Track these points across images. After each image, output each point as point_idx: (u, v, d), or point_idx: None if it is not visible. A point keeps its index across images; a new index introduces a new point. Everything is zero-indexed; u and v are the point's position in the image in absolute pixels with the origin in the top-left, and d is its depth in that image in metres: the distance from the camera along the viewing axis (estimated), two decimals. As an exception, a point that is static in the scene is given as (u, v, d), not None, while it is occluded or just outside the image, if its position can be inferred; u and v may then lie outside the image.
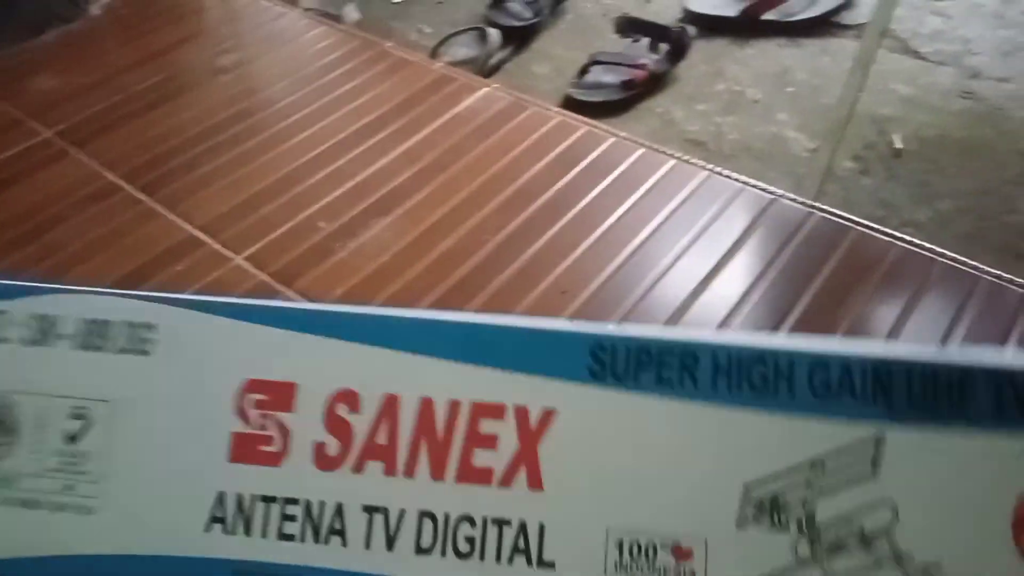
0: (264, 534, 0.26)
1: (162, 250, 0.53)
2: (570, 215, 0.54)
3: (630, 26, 1.39)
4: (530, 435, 0.26)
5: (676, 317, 0.46)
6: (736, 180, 0.57)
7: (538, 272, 0.50)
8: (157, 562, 0.26)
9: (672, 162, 0.59)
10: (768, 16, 1.48)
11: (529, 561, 0.25)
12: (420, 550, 0.25)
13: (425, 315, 0.28)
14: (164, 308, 0.28)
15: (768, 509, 0.25)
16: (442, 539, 0.25)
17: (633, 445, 0.26)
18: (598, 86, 1.28)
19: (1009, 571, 0.23)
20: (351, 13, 1.49)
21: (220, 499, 0.26)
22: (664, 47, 1.35)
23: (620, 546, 0.25)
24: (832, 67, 1.41)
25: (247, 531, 0.26)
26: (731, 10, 1.50)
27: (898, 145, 1.25)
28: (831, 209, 0.54)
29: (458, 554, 0.25)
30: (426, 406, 0.27)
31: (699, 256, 0.50)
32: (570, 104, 1.25)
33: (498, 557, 0.25)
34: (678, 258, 0.50)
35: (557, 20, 1.60)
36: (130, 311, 0.28)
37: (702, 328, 0.45)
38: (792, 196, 0.55)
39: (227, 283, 0.50)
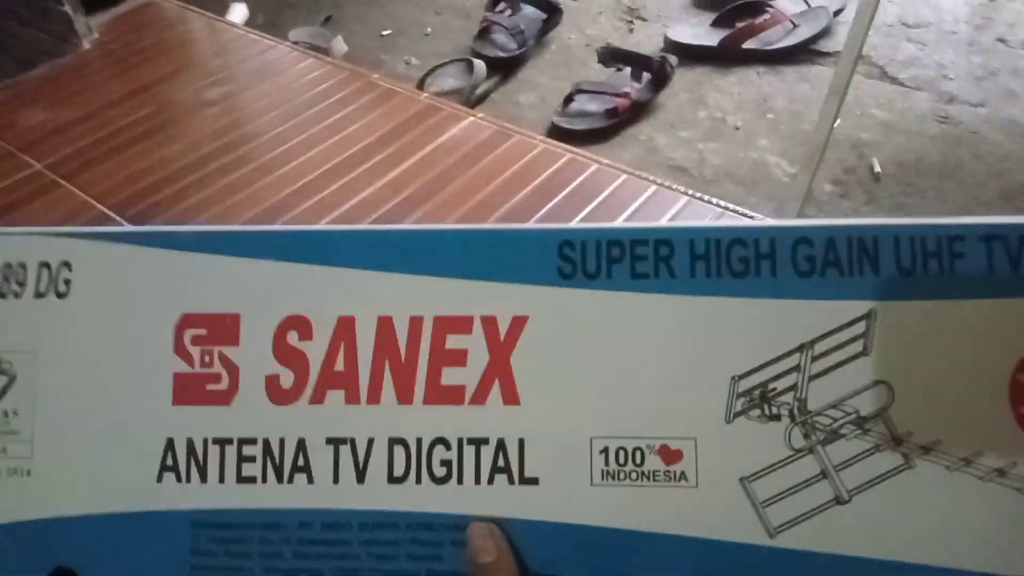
0: (222, 479, 0.24)
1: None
2: (554, 241, 0.55)
3: (612, 56, 1.42)
4: (501, 346, 0.24)
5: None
6: (717, 205, 0.58)
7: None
8: (108, 521, 0.24)
9: (653, 188, 0.61)
10: (748, 45, 1.52)
11: (511, 479, 0.24)
12: (393, 479, 0.24)
13: (374, 228, 0.26)
14: (79, 243, 0.25)
15: (758, 400, 0.24)
16: (416, 465, 0.24)
17: (611, 346, 0.24)
18: (582, 114, 1.30)
19: (1008, 441, 0.23)
20: (339, 45, 1.51)
21: (169, 446, 0.24)
22: (646, 76, 1.38)
23: (605, 453, 0.24)
24: (811, 93, 1.45)
25: (203, 478, 0.24)
26: (712, 40, 1.54)
27: (876, 169, 1.29)
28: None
29: (434, 479, 0.24)
30: (385, 325, 0.25)
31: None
32: (555, 132, 1.28)
33: (477, 478, 0.24)
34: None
35: (542, 51, 1.64)
36: (43, 250, 0.25)
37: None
38: (773, 220, 0.57)
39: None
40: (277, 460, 0.24)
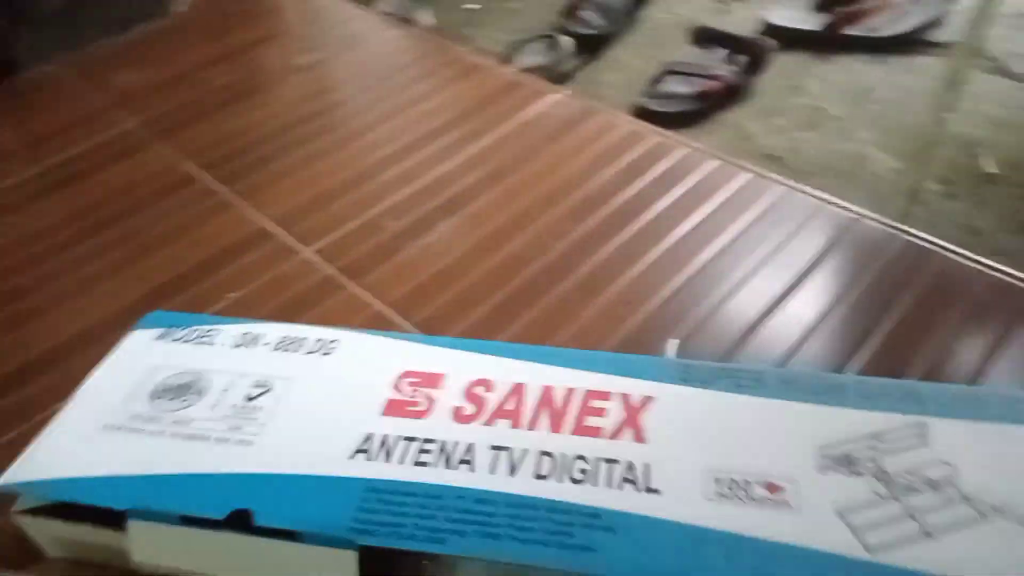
0: (401, 462, 0.32)
1: (236, 240, 0.55)
2: (637, 225, 0.54)
3: (707, 36, 1.38)
4: (633, 409, 0.34)
5: (743, 337, 0.45)
6: (815, 197, 0.55)
7: (602, 280, 0.50)
8: (300, 480, 0.31)
9: (747, 176, 0.58)
10: (852, 31, 1.45)
11: (637, 488, 0.30)
12: (539, 476, 0.31)
13: (558, 350, 0.37)
14: (347, 332, 0.39)
15: (843, 462, 0.31)
16: (559, 470, 0.31)
17: (718, 421, 0.33)
18: (671, 96, 1.27)
19: None
20: (425, 17, 1.52)
21: (367, 438, 0.32)
22: (742, 59, 1.33)
23: (718, 481, 0.30)
24: (918, 85, 1.37)
25: (387, 460, 0.32)
26: (813, 24, 1.47)
27: (990, 169, 1.21)
28: (916, 232, 0.52)
29: (573, 481, 0.31)
30: (547, 390, 0.35)
31: (772, 275, 0.49)
32: (642, 114, 1.25)
33: (609, 483, 0.31)
34: (749, 276, 0.49)
35: (630, 29, 1.60)
36: (320, 332, 0.38)
37: (771, 350, 0.45)
38: (875, 216, 0.54)
39: (295, 275, 0.52)
40: (449, 454, 0.32)
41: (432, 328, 0.47)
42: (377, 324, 0.47)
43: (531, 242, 0.53)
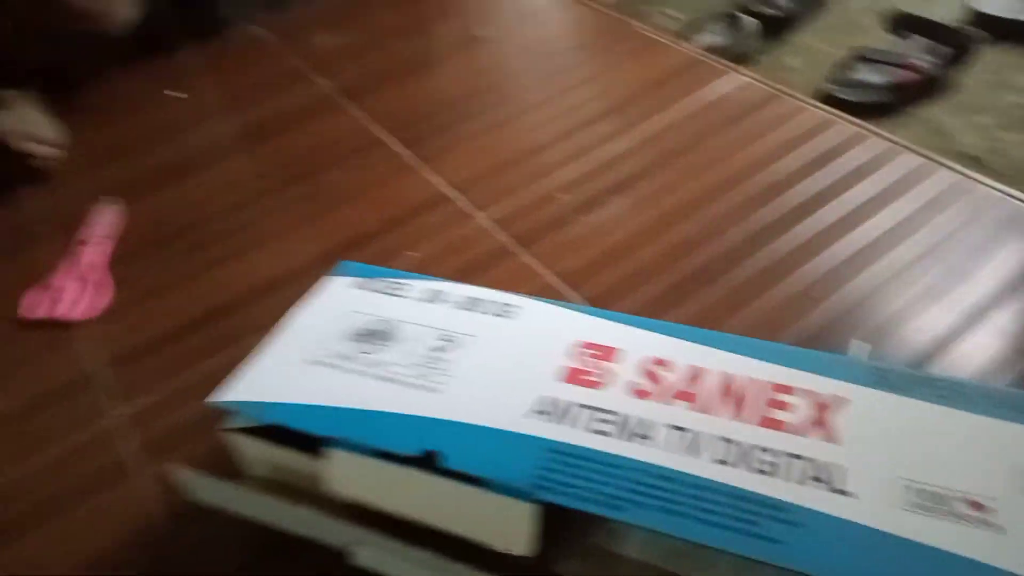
0: (577, 427, 0.33)
1: (416, 201, 0.59)
2: (824, 217, 0.52)
3: (905, 23, 1.29)
4: (823, 408, 0.33)
5: (936, 347, 0.43)
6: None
7: (781, 270, 0.48)
8: (483, 431, 0.33)
9: (949, 175, 0.54)
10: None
11: (828, 488, 0.30)
12: (719, 461, 0.31)
13: (739, 338, 0.37)
14: (525, 298, 0.40)
15: None
16: (740, 457, 0.31)
17: (917, 431, 0.32)
18: (862, 85, 1.20)
19: None
20: (602, -7, 1.52)
21: (545, 400, 0.34)
22: (944, 50, 1.23)
23: (917, 492, 0.29)
24: None
25: (564, 423, 0.33)
26: (1032, 12, 1.33)
27: None
28: None
29: (757, 471, 0.30)
30: (727, 377, 0.35)
31: (972, 284, 0.46)
32: (828, 102, 1.18)
33: (795, 478, 0.30)
34: (948, 283, 0.46)
35: (818, 12, 1.52)
36: (500, 296, 0.40)
37: (968, 362, 0.42)
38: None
39: (470, 239, 0.54)
40: (626, 426, 0.32)
41: (600, 303, 0.48)
42: (546, 294, 0.48)
43: (706, 226, 0.53)
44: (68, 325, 0.53)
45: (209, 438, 0.37)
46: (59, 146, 0.69)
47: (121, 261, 0.58)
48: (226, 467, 0.38)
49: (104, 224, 0.61)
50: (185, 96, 0.77)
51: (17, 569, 0.39)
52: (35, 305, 0.54)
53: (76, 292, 0.55)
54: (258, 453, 0.36)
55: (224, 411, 0.36)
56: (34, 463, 0.44)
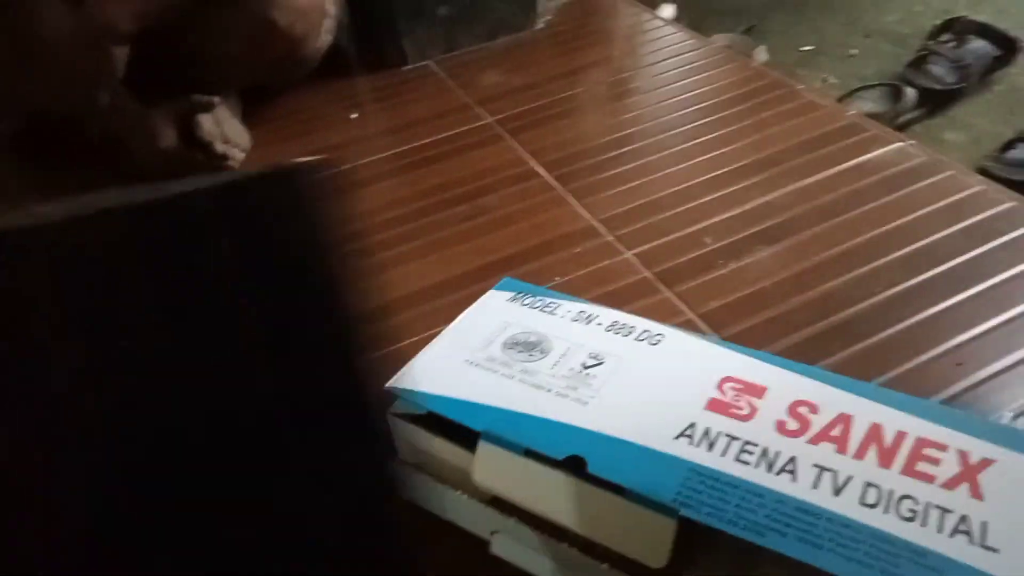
0: (723, 455, 0.34)
1: (565, 232, 0.62)
2: (978, 288, 0.51)
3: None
4: (970, 467, 0.33)
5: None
6: None
7: (930, 338, 0.48)
8: (627, 445, 0.35)
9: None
10: None
11: (971, 541, 0.30)
12: (864, 503, 0.31)
13: (888, 391, 0.37)
14: (672, 329, 0.42)
15: None
16: (885, 503, 0.31)
17: None
18: (1023, 165, 1.15)
19: None
20: (760, 54, 1.53)
21: (691, 425, 0.35)
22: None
23: None
24: None
25: (709, 449, 0.34)
26: None
27: None
28: None
29: (901, 517, 0.31)
30: (876, 428, 0.35)
31: None
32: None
33: (940, 529, 0.30)
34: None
35: (984, 89, 1.47)
36: (647, 324, 0.42)
37: None
38: None
39: (615, 272, 0.57)
40: (771, 460, 0.33)
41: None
42: (687, 330, 0.50)
43: (855, 284, 0.53)
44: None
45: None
46: (245, 150, 0.78)
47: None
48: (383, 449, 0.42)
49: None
50: (357, 115, 0.85)
51: None
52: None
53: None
54: (415, 441, 0.40)
55: (391, 397, 0.40)
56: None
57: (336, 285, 0.22)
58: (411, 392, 0.39)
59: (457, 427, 0.37)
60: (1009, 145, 1.19)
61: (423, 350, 0.42)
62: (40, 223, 0.19)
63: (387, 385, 0.39)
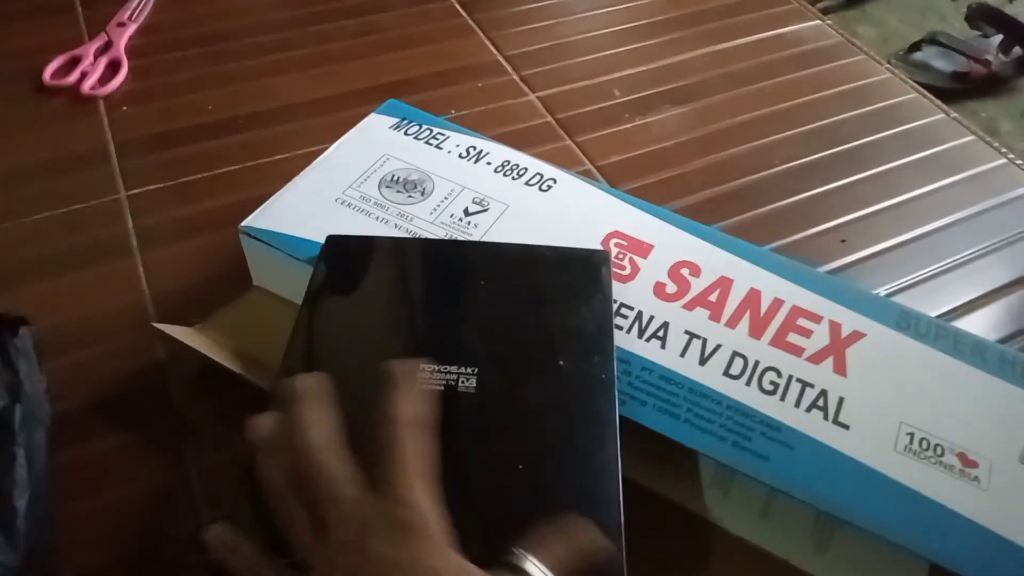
0: None
1: (467, 64, 0.58)
2: (870, 172, 0.53)
3: (986, 16, 1.27)
4: (840, 340, 0.34)
5: (958, 313, 0.45)
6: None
7: (819, 214, 0.49)
8: None
9: (1002, 160, 0.55)
10: None
11: (826, 416, 0.31)
12: (727, 374, 0.32)
13: (774, 256, 0.38)
14: (566, 174, 0.41)
15: None
16: (749, 374, 0.32)
17: (927, 378, 0.33)
18: (925, 67, 1.19)
19: None
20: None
21: None
22: (1017, 50, 1.23)
23: (911, 436, 0.31)
24: None
25: None
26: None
27: None
28: None
29: (762, 390, 0.32)
30: (754, 293, 0.35)
31: (1000, 263, 0.48)
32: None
33: (797, 404, 0.31)
34: (978, 257, 0.48)
35: (899, -13, 1.50)
36: (541, 166, 0.41)
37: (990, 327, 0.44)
38: None
39: (516, 114, 0.55)
40: (643, 326, 0.34)
41: (635, 203, 0.49)
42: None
43: (756, 153, 0.53)
44: (87, 100, 0.53)
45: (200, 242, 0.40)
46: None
47: (147, 51, 0.58)
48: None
49: (138, 9, 0.60)
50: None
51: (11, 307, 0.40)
52: (61, 74, 0.54)
53: (103, 70, 0.55)
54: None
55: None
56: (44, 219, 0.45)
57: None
58: (268, 232, 0.36)
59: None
60: (915, 47, 1.22)
61: (290, 183, 0.39)
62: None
63: (243, 224, 0.36)
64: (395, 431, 0.25)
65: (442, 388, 0.29)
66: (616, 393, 0.29)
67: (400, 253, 0.36)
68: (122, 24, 0.58)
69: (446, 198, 0.38)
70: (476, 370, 0.29)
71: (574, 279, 0.34)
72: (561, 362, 0.30)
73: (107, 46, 0.57)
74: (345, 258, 0.35)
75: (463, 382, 0.29)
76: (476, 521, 0.25)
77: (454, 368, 0.29)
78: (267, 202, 0.38)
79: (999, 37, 1.25)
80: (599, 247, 0.37)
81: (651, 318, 0.34)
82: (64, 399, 0.36)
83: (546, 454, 0.28)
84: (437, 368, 0.29)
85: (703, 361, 0.32)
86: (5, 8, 0.60)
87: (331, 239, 0.35)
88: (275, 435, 0.25)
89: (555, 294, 0.33)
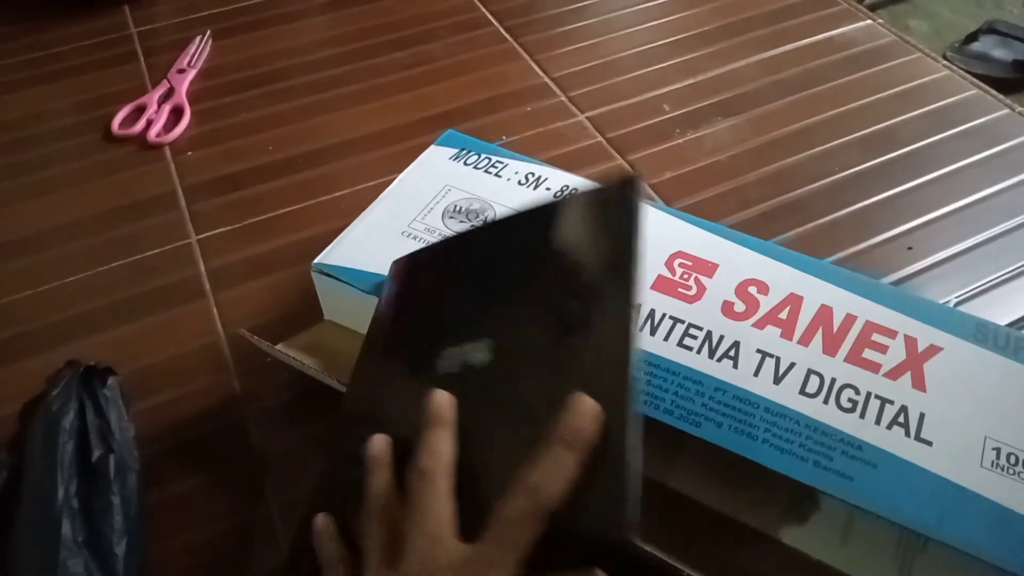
0: (666, 339, 0.34)
1: (515, 89, 0.59)
2: (933, 175, 0.52)
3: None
4: (917, 355, 0.33)
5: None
6: None
7: (883, 220, 0.49)
8: None
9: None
10: None
11: (908, 433, 0.31)
12: (804, 393, 0.32)
13: (841, 270, 0.37)
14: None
15: None
16: (826, 392, 0.32)
17: (1009, 392, 0.32)
18: (984, 58, 1.16)
19: None
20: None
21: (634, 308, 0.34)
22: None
23: (997, 451, 0.30)
24: None
25: (651, 333, 0.34)
26: None
27: None
28: None
29: (840, 408, 0.31)
30: (824, 310, 0.35)
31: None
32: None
33: (878, 421, 0.31)
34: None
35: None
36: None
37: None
38: None
39: (567, 136, 0.55)
40: (714, 345, 0.33)
41: (692, 219, 0.49)
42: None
43: (812, 162, 0.53)
44: (154, 147, 0.55)
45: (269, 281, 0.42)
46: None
47: (207, 95, 0.60)
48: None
49: (197, 55, 0.63)
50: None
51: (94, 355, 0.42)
52: (128, 123, 0.57)
53: (167, 117, 0.57)
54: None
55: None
56: (120, 266, 0.48)
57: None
58: (339, 268, 0.38)
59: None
60: (972, 37, 1.19)
61: (358, 218, 0.40)
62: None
63: (315, 261, 0.38)
64: (519, 499, 0.24)
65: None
66: (634, 315, 0.27)
67: (442, 255, 0.36)
68: (182, 70, 0.61)
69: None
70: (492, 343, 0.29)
71: (597, 217, 0.31)
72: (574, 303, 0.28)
73: (169, 92, 0.59)
74: (400, 276, 0.36)
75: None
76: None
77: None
78: (337, 239, 0.39)
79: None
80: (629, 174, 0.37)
81: (721, 337, 0.34)
82: (149, 442, 0.38)
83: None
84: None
85: (778, 380, 0.32)
86: (74, 61, 0.64)
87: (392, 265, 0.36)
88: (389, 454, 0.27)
89: (576, 241, 0.31)
